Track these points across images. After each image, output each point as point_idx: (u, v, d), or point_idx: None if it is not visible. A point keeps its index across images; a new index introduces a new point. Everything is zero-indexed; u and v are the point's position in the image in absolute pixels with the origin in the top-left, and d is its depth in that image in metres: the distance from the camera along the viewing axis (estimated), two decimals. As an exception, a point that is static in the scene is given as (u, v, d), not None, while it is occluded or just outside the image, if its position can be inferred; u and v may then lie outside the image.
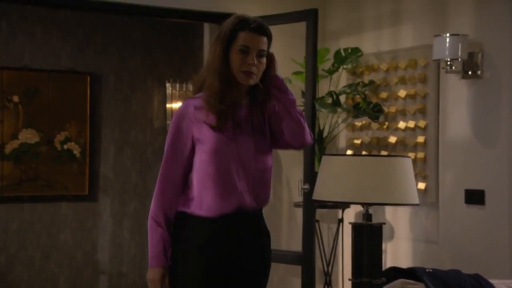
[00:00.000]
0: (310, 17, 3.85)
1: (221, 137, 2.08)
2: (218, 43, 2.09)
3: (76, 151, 5.06)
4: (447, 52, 3.56)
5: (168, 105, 5.12)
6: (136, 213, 5.27)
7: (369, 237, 2.57)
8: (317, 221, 4.03)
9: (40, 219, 5.06)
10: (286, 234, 4.41)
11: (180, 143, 2.10)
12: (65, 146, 5.03)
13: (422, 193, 3.83)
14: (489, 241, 3.55)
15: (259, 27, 2.10)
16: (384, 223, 2.70)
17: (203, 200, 2.07)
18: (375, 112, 3.99)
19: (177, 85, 5.06)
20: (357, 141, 4.29)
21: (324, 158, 2.77)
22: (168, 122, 5.07)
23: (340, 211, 4.17)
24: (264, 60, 2.10)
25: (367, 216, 2.60)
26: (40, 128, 4.96)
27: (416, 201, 2.55)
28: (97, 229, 5.20)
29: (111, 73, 5.17)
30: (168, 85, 5.09)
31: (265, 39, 2.10)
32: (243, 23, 2.09)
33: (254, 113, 2.13)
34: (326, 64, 4.26)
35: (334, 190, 2.63)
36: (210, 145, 2.07)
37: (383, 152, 4.10)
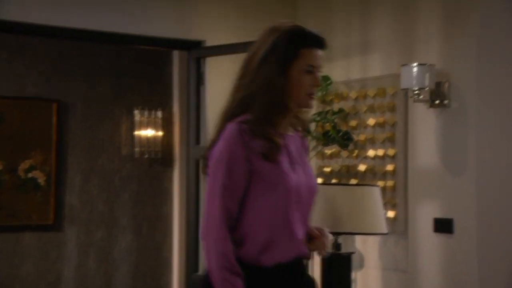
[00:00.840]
0: (280, 46, 3.85)
1: (283, 170, 1.78)
2: (274, 60, 1.78)
3: (41, 180, 4.95)
4: (414, 82, 3.59)
5: (136, 133, 5.06)
6: (102, 242, 5.15)
7: (338, 266, 2.54)
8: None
9: (1, 249, 4.91)
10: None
11: (235, 173, 1.75)
12: (30, 175, 4.91)
13: (392, 221, 3.82)
14: (457, 269, 3.55)
15: (322, 42, 1.86)
16: (354, 252, 2.67)
17: (257, 244, 1.74)
18: (344, 140, 3.99)
19: (146, 113, 5.01)
20: (327, 169, 4.28)
21: (293, 186, 2.73)
22: (136, 149, 5.01)
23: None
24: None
25: (337, 245, 2.57)
26: (3, 156, 4.84)
27: (384, 230, 2.53)
28: (62, 260, 5.07)
29: (78, 100, 5.10)
30: (136, 112, 5.04)
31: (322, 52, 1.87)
32: (306, 38, 1.83)
33: (293, 144, 1.85)
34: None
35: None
36: (271, 178, 1.76)
37: (353, 180, 4.09)
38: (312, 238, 1.84)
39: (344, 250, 2.78)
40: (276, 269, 1.73)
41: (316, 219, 2.57)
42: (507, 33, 3.58)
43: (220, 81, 4.39)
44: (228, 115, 1.85)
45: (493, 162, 3.56)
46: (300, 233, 1.78)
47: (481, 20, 3.56)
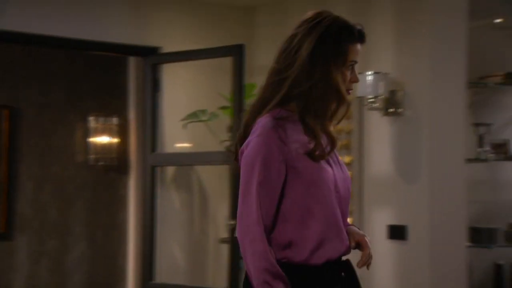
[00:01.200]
0: (237, 52, 3.85)
1: (322, 165, 1.68)
2: (326, 56, 1.69)
3: (-8, 188, 4.82)
4: (369, 90, 3.64)
5: (91, 139, 4.98)
6: (55, 252, 5.04)
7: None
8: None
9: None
10: (212, 270, 4.33)
11: (273, 169, 1.64)
12: (-20, 183, 4.78)
13: (347, 228, 3.84)
14: (410, 275, 3.60)
15: (364, 36, 1.79)
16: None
17: (310, 243, 1.65)
18: (301, 147, 4.01)
19: (101, 119, 4.93)
20: (284, 177, 4.28)
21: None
22: (91, 156, 4.93)
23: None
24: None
25: (291, 253, 2.57)
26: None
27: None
28: (12, 270, 4.94)
29: (31, 107, 4.99)
30: (91, 119, 4.96)
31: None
32: (352, 33, 1.76)
33: (323, 138, 1.75)
34: (253, 99, 4.25)
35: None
36: (310, 175, 1.66)
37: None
38: (362, 246, 1.77)
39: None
40: (325, 266, 1.67)
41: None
42: (458, 44, 3.67)
43: (177, 87, 4.37)
44: (263, 109, 1.73)
45: (445, 170, 3.63)
46: (344, 228, 1.72)
47: (434, 31, 3.63)
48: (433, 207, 3.56)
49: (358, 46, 1.77)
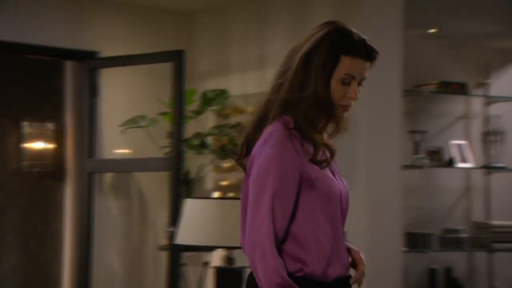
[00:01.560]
0: (177, 58, 3.82)
1: (332, 177, 1.63)
2: (315, 64, 1.60)
3: None
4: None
5: (25, 145, 4.83)
6: (-14, 262, 4.85)
7: (231, 280, 2.53)
8: (184, 264, 3.93)
9: None
10: (151, 278, 4.27)
11: (289, 181, 1.56)
12: None
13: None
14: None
15: (370, 52, 1.65)
16: (248, 267, 2.67)
17: (323, 259, 1.59)
18: (241, 154, 4.01)
19: (36, 124, 4.79)
20: (225, 183, 4.27)
21: (187, 201, 2.71)
22: (25, 163, 4.77)
23: (207, 254, 4.10)
24: (360, 87, 1.66)
25: (229, 259, 2.56)
26: None
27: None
28: None
29: (-39, 111, 4.81)
30: (25, 124, 4.81)
31: (371, 64, 1.66)
32: (350, 44, 1.63)
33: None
34: (193, 105, 4.24)
35: (197, 234, 2.58)
36: (324, 187, 1.60)
37: (249, 194, 4.10)
38: (356, 263, 1.70)
39: (239, 264, 2.78)
40: (336, 283, 1.62)
41: (210, 233, 2.54)
42: (394, 53, 3.74)
43: (116, 92, 4.29)
44: (266, 117, 1.64)
45: (382, 176, 3.70)
46: (343, 238, 1.67)
47: (371, 38, 3.69)
48: (370, 213, 3.62)
49: (360, 61, 1.63)
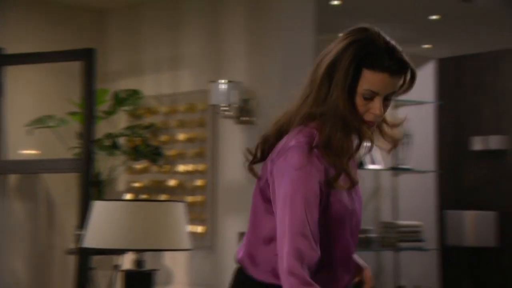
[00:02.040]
0: (87, 57, 3.71)
1: (345, 203, 1.56)
2: (337, 77, 1.49)
3: None
4: (222, 98, 3.67)
5: None
6: None
7: (140, 284, 2.48)
8: (93, 268, 3.83)
9: None
10: (58, 283, 4.13)
11: (313, 206, 1.49)
12: None
13: (200, 236, 3.84)
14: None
15: (400, 68, 1.50)
16: (158, 269, 2.63)
17: (331, 271, 1.58)
18: (154, 155, 3.96)
19: None
20: (137, 184, 4.20)
21: (95, 203, 2.65)
22: None
23: (117, 257, 4.02)
24: (390, 102, 1.53)
25: (139, 263, 2.51)
26: None
27: (187, 246, 2.53)
28: None
29: None
30: None
31: (400, 78, 1.52)
32: (372, 56, 1.49)
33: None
34: (105, 105, 4.14)
35: (105, 237, 2.52)
36: (340, 207, 1.54)
37: (163, 196, 4.06)
38: (365, 280, 1.70)
39: (150, 267, 2.73)
40: None
41: (119, 236, 2.48)
42: (307, 55, 3.80)
43: (22, 91, 4.12)
44: (290, 123, 1.57)
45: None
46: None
47: (283, 43, 3.75)
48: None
49: (383, 75, 1.48)
